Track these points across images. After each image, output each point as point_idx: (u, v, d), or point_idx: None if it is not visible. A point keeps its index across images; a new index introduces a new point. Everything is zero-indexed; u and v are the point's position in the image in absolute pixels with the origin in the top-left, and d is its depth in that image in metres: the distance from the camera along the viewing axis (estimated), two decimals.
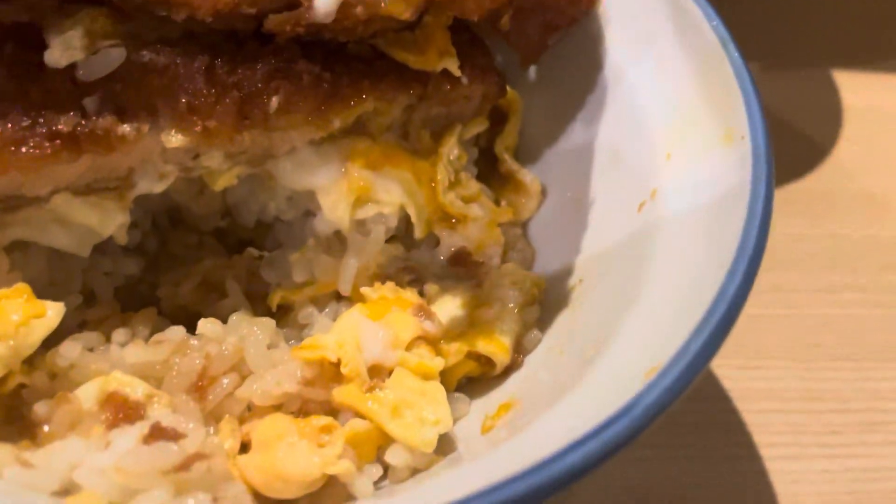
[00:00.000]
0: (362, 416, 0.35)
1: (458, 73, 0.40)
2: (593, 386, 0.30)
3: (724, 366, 0.53)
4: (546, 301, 0.43)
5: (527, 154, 0.49)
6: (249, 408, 0.36)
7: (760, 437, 0.50)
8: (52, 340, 0.35)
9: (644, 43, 0.43)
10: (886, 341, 0.56)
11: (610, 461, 0.46)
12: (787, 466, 0.49)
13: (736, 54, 0.38)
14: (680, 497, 0.47)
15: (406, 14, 0.37)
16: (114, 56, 0.35)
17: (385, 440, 0.35)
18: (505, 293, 0.42)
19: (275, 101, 0.37)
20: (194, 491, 0.29)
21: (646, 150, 0.41)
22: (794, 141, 0.70)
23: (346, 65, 0.39)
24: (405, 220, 0.44)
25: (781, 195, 0.65)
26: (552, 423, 0.29)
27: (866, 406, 0.53)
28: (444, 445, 0.36)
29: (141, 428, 0.31)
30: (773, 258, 0.60)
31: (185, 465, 0.29)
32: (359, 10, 0.36)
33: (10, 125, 0.34)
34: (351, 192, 0.41)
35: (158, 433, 0.30)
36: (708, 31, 0.39)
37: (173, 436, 0.30)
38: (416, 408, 0.35)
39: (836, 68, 0.76)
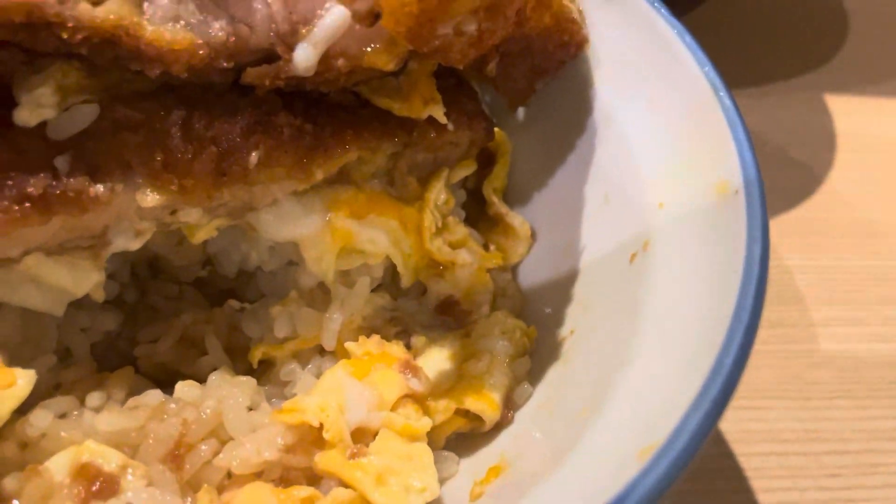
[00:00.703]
0: (346, 485, 0.34)
1: (444, 120, 0.39)
2: (586, 460, 0.29)
3: None
4: (537, 352, 0.42)
5: (516, 196, 0.48)
6: (229, 475, 0.35)
7: (758, 483, 0.49)
8: (24, 404, 0.34)
9: (634, 85, 0.41)
10: (885, 377, 0.55)
11: None
12: None
13: (728, 101, 0.37)
14: None
15: (390, 66, 0.36)
16: (86, 112, 0.34)
17: None
18: (494, 344, 0.41)
19: (254, 156, 0.36)
20: None
21: (637, 196, 0.40)
22: (787, 168, 0.69)
23: (328, 114, 0.38)
24: (391, 269, 0.43)
25: (776, 224, 0.64)
26: (545, 497, 0.28)
27: (866, 447, 0.52)
28: None
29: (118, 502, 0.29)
30: (769, 291, 0.59)
31: None
32: (340, 62, 0.35)
33: None
34: (335, 242, 0.40)
35: None
36: (700, 77, 0.38)
37: None
38: (401, 475, 0.34)
39: (827, 93, 0.75)
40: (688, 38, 0.39)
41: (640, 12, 0.41)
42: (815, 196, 0.67)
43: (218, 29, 0.34)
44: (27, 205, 0.33)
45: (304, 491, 0.33)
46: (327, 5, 0.34)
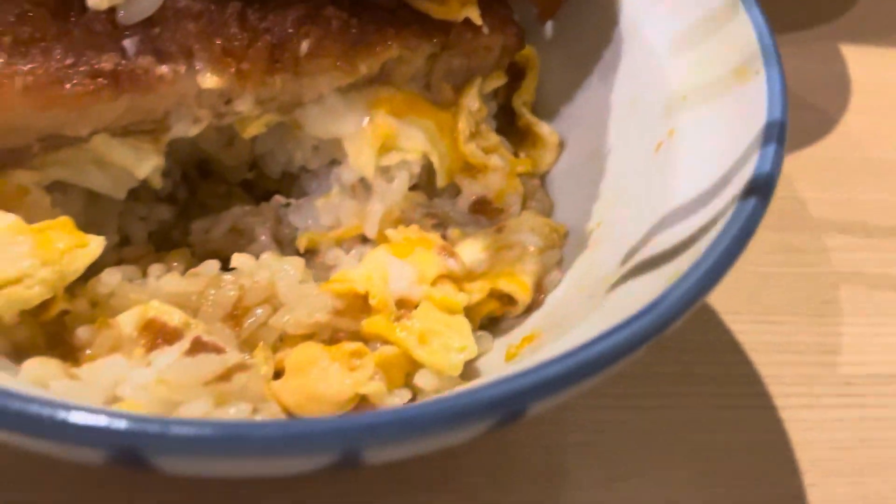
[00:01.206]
0: (391, 345, 0.36)
1: (479, 21, 0.42)
2: (619, 299, 0.32)
3: (737, 321, 0.54)
4: (566, 245, 0.44)
5: (545, 110, 0.50)
6: (281, 338, 0.37)
7: (775, 388, 0.51)
8: (92, 273, 0.36)
9: None
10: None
11: (629, 406, 0.47)
12: (800, 415, 0.50)
13: None
14: (694, 442, 0.48)
15: None
16: (151, 1, 0.37)
17: (413, 366, 0.36)
18: (525, 237, 0.43)
19: (305, 45, 0.39)
20: (235, 401, 0.31)
21: (663, 95, 0.42)
22: (802, 111, 0.71)
23: (371, 13, 0.41)
24: (427, 170, 0.45)
25: (791, 161, 0.66)
26: (580, 333, 0.31)
27: (879, 360, 0.54)
28: (470, 373, 0.37)
29: (182, 345, 0.32)
30: (783, 220, 0.62)
31: (226, 376, 0.30)
32: None
33: (54, 63, 0.35)
34: (376, 139, 0.42)
35: (200, 346, 0.31)
36: None
37: (214, 349, 0.31)
38: (442, 336, 0.36)
39: (843, 43, 0.78)
40: None
41: None
42: (829, 136, 0.69)
43: None
44: (99, 80, 0.36)
45: (353, 345, 0.36)
46: None
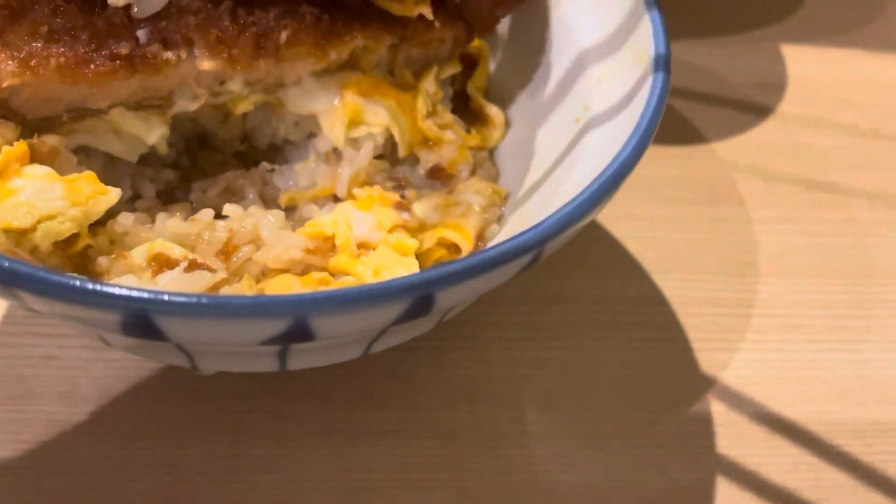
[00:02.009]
0: (351, 276, 0.45)
1: (431, 17, 0.50)
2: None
3: (665, 279, 0.62)
4: (506, 206, 0.53)
5: (495, 94, 0.59)
6: (263, 272, 0.46)
7: (694, 334, 0.59)
8: (110, 216, 0.45)
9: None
10: (811, 264, 0.65)
11: (565, 347, 0.56)
12: (715, 357, 0.58)
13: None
14: (618, 377, 0.56)
15: None
16: (158, 0, 0.46)
17: None
18: (471, 198, 0.52)
19: (284, 35, 0.47)
20: None
21: (584, 79, 0.51)
22: (742, 104, 0.79)
23: (340, 9, 0.49)
24: (390, 142, 0.53)
25: (728, 147, 0.75)
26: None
27: (790, 313, 0.62)
28: None
29: (182, 265, 0.40)
30: (715, 195, 0.70)
31: (216, 287, 0.39)
32: None
33: (81, 48, 0.44)
34: (346, 114, 0.51)
35: (195, 265, 0.40)
36: None
37: (207, 268, 0.40)
38: (393, 270, 0.45)
39: (784, 44, 0.86)
40: None
41: None
42: (764, 125, 0.77)
43: None
44: (117, 62, 0.44)
45: (320, 275, 0.44)
46: None
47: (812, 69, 0.84)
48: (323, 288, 0.44)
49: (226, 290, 0.39)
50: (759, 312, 0.61)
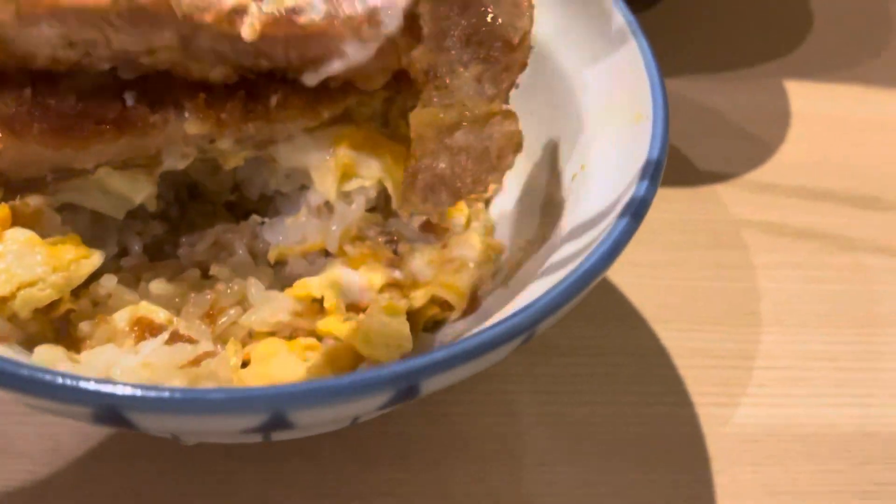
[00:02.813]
0: (340, 341, 0.44)
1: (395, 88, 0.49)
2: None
3: (664, 329, 0.61)
4: (501, 260, 0.52)
5: None
6: (250, 334, 0.45)
7: (693, 388, 0.58)
8: (93, 278, 0.44)
9: (588, 60, 0.51)
10: (815, 311, 0.64)
11: (565, 402, 0.54)
12: (714, 412, 0.57)
13: (650, 58, 0.47)
14: (616, 433, 0.55)
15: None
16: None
17: (358, 359, 0.43)
18: (465, 253, 0.51)
19: (274, 99, 0.46)
20: (204, 383, 0.38)
21: (582, 137, 0.50)
22: (744, 141, 0.78)
23: None
24: (383, 194, 0.52)
25: (729, 187, 0.73)
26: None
27: (792, 364, 0.60)
28: None
29: (163, 336, 0.39)
30: (717, 240, 0.69)
31: (197, 361, 0.38)
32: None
33: (67, 111, 0.43)
34: (338, 169, 0.50)
35: (177, 337, 0.39)
36: (633, 47, 0.48)
37: (188, 340, 0.39)
38: (383, 335, 0.44)
39: (786, 79, 0.85)
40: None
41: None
42: (767, 164, 0.76)
43: None
44: (103, 125, 0.44)
45: (308, 341, 0.43)
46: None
47: (816, 106, 0.83)
48: (310, 353, 0.43)
49: (207, 363, 0.38)
50: (762, 364, 0.60)
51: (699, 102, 0.81)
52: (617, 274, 0.64)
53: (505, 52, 0.35)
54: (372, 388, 0.30)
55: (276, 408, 0.29)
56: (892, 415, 0.58)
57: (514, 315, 0.33)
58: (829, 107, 0.83)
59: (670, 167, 0.73)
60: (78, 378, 0.28)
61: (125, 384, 0.28)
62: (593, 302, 0.62)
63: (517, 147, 0.36)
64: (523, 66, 0.38)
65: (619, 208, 0.39)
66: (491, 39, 0.34)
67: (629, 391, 0.57)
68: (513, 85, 0.36)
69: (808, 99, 0.83)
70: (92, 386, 0.28)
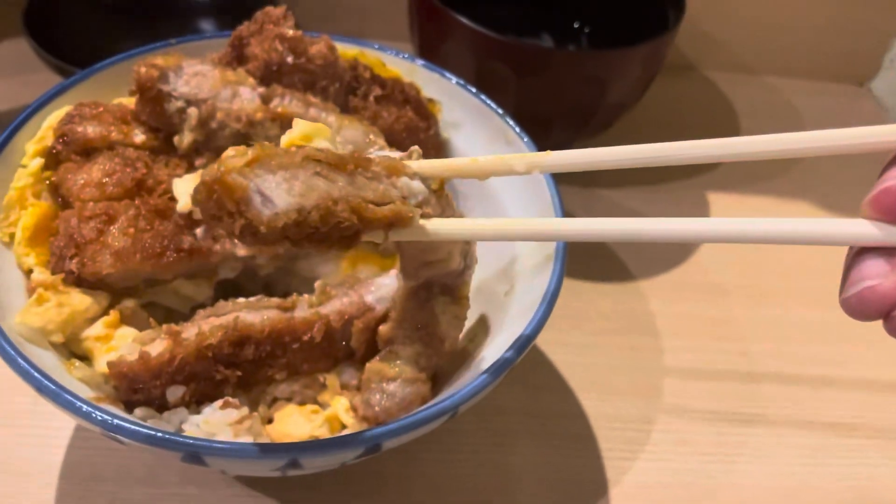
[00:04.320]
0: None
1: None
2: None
3: (586, 397, 0.80)
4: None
5: None
6: (274, 400, 0.64)
7: (604, 444, 0.76)
8: None
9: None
10: (703, 388, 0.82)
11: (495, 451, 0.73)
12: (619, 464, 0.75)
13: (557, 202, 0.67)
14: (543, 479, 0.73)
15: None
16: None
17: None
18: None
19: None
20: (244, 435, 0.58)
21: (514, 265, 0.69)
22: (666, 248, 0.97)
23: None
24: None
25: (650, 284, 0.92)
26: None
27: (682, 429, 0.79)
28: None
29: (217, 402, 0.59)
30: (633, 325, 0.88)
31: (240, 421, 0.58)
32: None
33: (157, 243, 0.63)
34: (342, 276, 0.70)
35: (227, 404, 0.58)
36: (545, 192, 0.68)
37: (234, 406, 0.59)
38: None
39: (711, 192, 1.04)
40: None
41: None
42: (682, 265, 0.96)
43: None
44: (181, 253, 0.64)
45: (312, 407, 0.63)
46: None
47: (732, 215, 1.02)
48: (314, 416, 0.62)
49: (246, 424, 0.58)
50: (658, 428, 0.79)
51: (635, 210, 1.01)
52: (553, 351, 0.83)
53: (437, 347, 0.56)
54: (350, 445, 0.50)
55: (291, 456, 0.49)
56: (754, 470, 0.76)
57: (443, 400, 0.53)
58: (749, 216, 1.02)
59: (606, 266, 0.93)
60: (176, 435, 0.48)
61: (199, 438, 0.48)
62: (532, 373, 0.82)
63: (421, 403, 0.56)
64: (447, 356, 0.59)
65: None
66: (432, 334, 0.55)
67: (555, 444, 0.76)
68: (435, 365, 0.58)
69: (729, 211, 1.02)
70: (184, 439, 0.48)
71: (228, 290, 0.74)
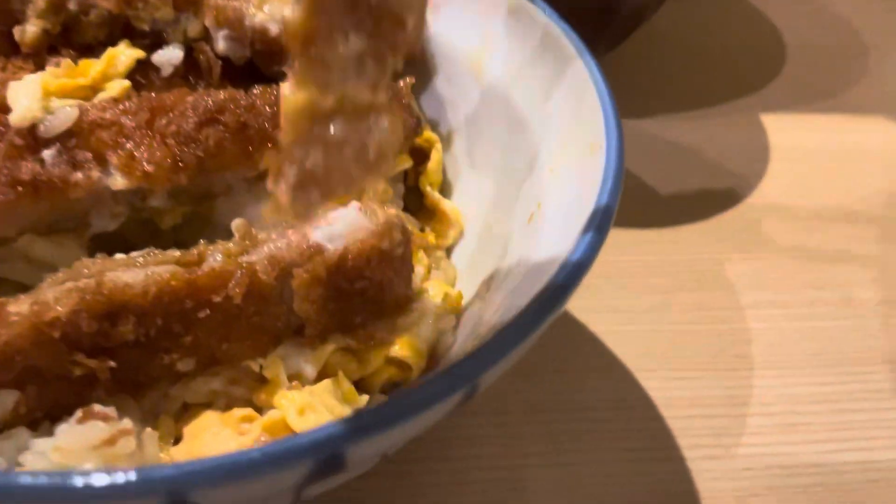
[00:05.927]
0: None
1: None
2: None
3: (649, 378, 0.57)
4: (462, 311, 0.48)
5: (450, 191, 0.55)
6: (185, 408, 0.41)
7: (683, 441, 0.54)
8: None
9: (540, 99, 0.49)
10: (806, 350, 0.60)
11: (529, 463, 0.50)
12: (707, 465, 0.52)
13: (604, 88, 0.44)
14: (605, 494, 0.50)
15: None
16: (68, 114, 0.43)
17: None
18: (423, 305, 0.47)
19: (206, 146, 0.44)
20: (123, 462, 0.34)
21: (536, 172, 0.47)
22: (722, 177, 0.75)
23: (272, 115, 0.46)
24: None
25: (711, 225, 0.70)
26: None
27: (786, 410, 0.56)
28: None
29: (76, 415, 0.36)
30: (699, 280, 0.65)
31: (111, 441, 0.34)
32: None
33: None
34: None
35: (90, 415, 0.35)
36: (586, 78, 0.45)
37: (102, 417, 0.35)
38: (318, 412, 0.39)
39: (762, 113, 0.82)
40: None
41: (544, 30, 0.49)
42: (748, 200, 0.73)
43: None
44: (19, 188, 0.41)
45: (243, 411, 0.39)
46: None
47: (794, 138, 0.80)
48: (246, 426, 0.39)
49: (123, 442, 0.34)
50: (754, 412, 0.56)
51: (674, 142, 0.79)
52: (595, 321, 0.60)
53: (393, 30, 0.29)
54: (282, 462, 0.26)
55: (172, 490, 0.25)
56: None
57: (456, 366, 0.30)
58: (808, 138, 0.81)
59: (648, 208, 0.70)
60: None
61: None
62: (572, 352, 0.59)
63: (398, 148, 0.32)
64: (410, 52, 0.32)
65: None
66: (380, 11, 0.29)
67: (613, 447, 0.53)
68: (393, 73, 0.31)
69: (785, 132, 0.80)
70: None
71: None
